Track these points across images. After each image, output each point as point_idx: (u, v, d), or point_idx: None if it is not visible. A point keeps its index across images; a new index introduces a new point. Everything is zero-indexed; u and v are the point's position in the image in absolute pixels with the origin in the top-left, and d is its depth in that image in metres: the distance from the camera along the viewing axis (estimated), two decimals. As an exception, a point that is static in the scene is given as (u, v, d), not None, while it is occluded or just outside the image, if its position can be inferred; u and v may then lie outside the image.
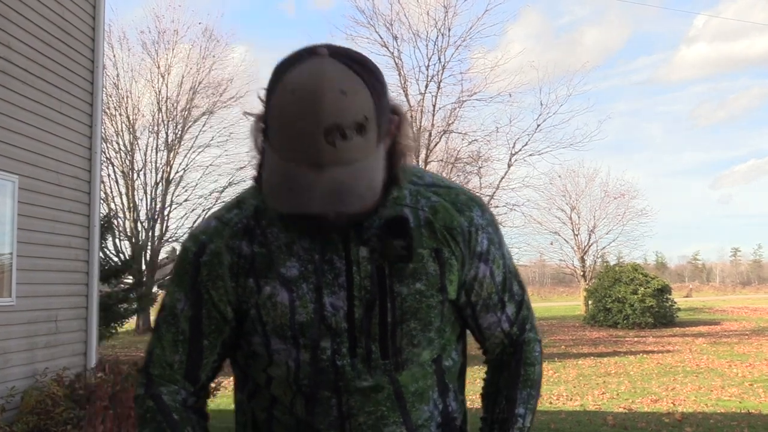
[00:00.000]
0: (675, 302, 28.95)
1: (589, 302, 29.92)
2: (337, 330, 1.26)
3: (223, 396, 9.45)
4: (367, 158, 1.14)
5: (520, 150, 23.08)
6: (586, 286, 33.15)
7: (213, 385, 7.47)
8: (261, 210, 1.32)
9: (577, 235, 38.13)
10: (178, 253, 1.37)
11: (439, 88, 22.45)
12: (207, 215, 1.40)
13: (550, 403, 11.27)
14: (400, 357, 1.28)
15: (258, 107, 1.24)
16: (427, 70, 22.41)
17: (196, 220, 28.04)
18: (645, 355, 17.79)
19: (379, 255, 1.27)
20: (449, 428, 1.39)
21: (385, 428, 1.29)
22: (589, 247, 38.16)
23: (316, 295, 1.26)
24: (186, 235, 1.42)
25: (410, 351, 1.29)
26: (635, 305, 26.87)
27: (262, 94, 1.20)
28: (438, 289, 1.30)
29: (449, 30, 22.21)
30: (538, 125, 23.01)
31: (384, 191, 1.23)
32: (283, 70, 1.15)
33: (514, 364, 1.42)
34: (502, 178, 23.48)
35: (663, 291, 27.78)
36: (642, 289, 27.05)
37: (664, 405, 10.91)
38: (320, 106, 1.09)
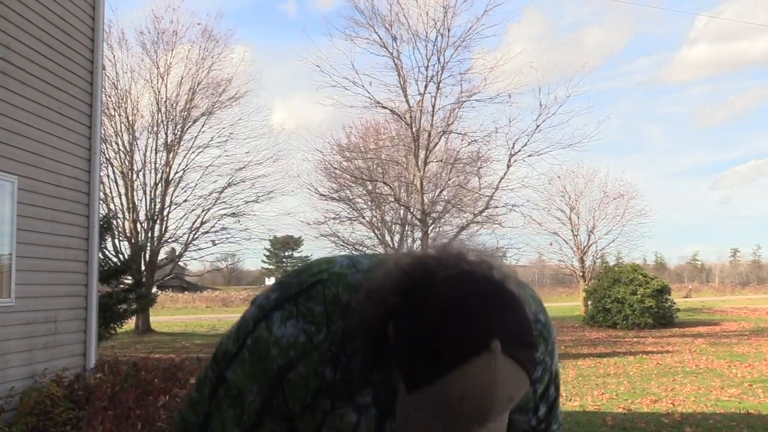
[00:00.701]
0: (674, 303, 28.95)
1: (589, 303, 29.93)
2: None
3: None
4: (506, 422, 1.15)
5: (519, 150, 23.07)
6: (586, 287, 33.15)
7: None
8: (348, 337, 1.27)
9: (576, 236, 38.15)
10: (255, 342, 1.31)
11: (438, 88, 22.46)
12: (288, 301, 1.31)
13: (550, 403, 11.27)
14: None
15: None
16: (427, 70, 22.42)
17: (195, 221, 28.06)
18: (644, 356, 17.80)
19: None
20: None
21: None
22: (589, 247, 38.17)
23: (378, 421, 1.29)
24: (263, 323, 1.31)
25: None
26: (634, 306, 26.87)
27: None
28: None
29: (449, 30, 22.22)
30: (538, 126, 23.00)
31: None
32: (452, 359, 1.06)
33: None
34: (502, 178, 23.49)
35: (662, 291, 27.79)
36: (641, 289, 27.06)
37: (663, 405, 10.92)
38: (486, 416, 1.07)
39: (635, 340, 23.14)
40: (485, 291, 1.12)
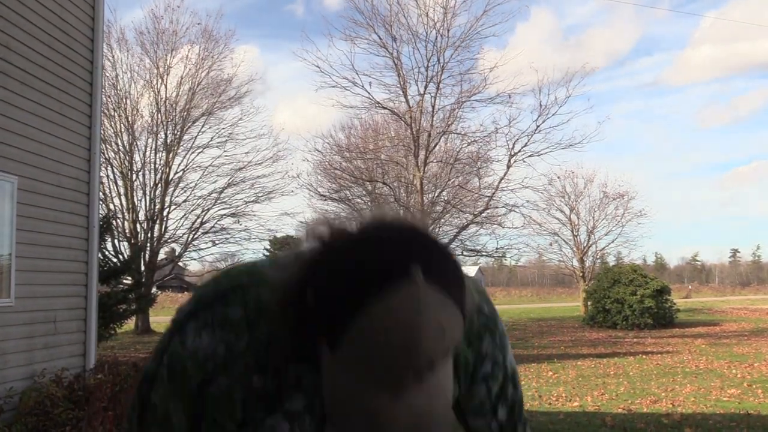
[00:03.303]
0: (674, 303, 28.98)
1: (589, 303, 29.94)
2: None
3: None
4: (449, 381, 1.05)
5: (519, 151, 23.06)
6: (586, 287, 33.17)
7: None
8: (275, 340, 1.18)
9: (576, 236, 38.20)
10: (170, 359, 1.23)
11: (438, 88, 22.46)
12: (201, 308, 1.23)
13: (549, 404, 11.27)
14: None
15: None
16: (427, 71, 22.42)
17: (195, 221, 28.08)
18: (644, 356, 17.80)
19: None
20: None
21: None
22: (588, 247, 38.22)
23: (317, 428, 1.22)
24: (176, 337, 1.23)
25: None
26: (634, 306, 26.89)
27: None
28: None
29: (448, 31, 22.22)
30: (538, 126, 23.00)
31: None
32: (369, 291, 0.97)
33: None
34: (501, 179, 23.48)
35: (662, 292, 27.82)
36: (641, 290, 27.08)
37: (663, 406, 10.92)
38: (417, 350, 0.96)
39: (635, 340, 23.15)
40: (404, 228, 1.05)
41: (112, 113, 26.30)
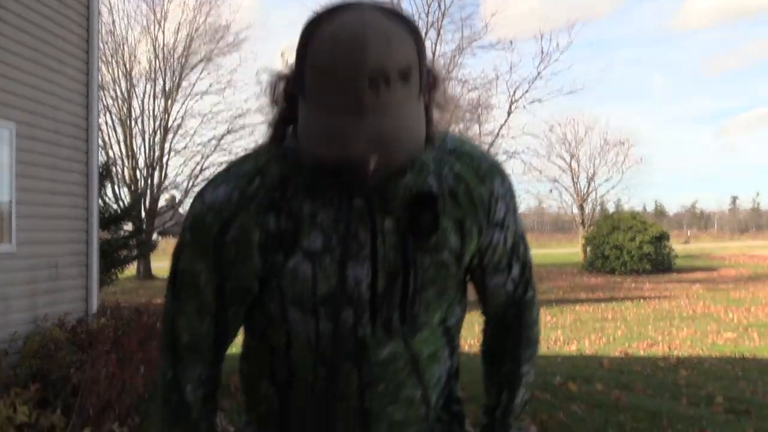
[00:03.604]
0: (673, 249, 29.11)
1: (588, 249, 30.08)
2: (359, 301, 1.26)
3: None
4: (409, 107, 1.12)
5: (520, 98, 22.97)
6: (585, 233, 33.28)
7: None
8: (286, 180, 1.26)
9: (576, 183, 38.18)
10: (192, 218, 1.29)
11: (439, 35, 22.24)
12: (219, 175, 1.32)
13: (548, 347, 11.42)
14: (416, 321, 1.31)
15: (273, 66, 1.24)
16: (427, 16, 22.18)
17: (194, 168, 28.05)
18: (642, 301, 17.95)
19: (403, 226, 1.26)
20: (454, 375, 1.46)
21: (402, 393, 1.32)
22: (588, 194, 38.24)
23: (339, 267, 1.25)
24: (197, 199, 1.29)
25: (425, 317, 1.32)
26: (633, 252, 27.02)
27: (287, 52, 1.22)
28: (457, 258, 1.32)
29: (449, -26, 21.88)
30: (539, 73, 22.86)
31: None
32: (319, 21, 1.13)
33: (517, 326, 1.49)
34: (502, 125, 23.43)
35: (661, 238, 27.93)
36: (640, 236, 27.18)
37: (659, 349, 11.07)
38: (365, 51, 1.06)
39: (633, 285, 23.32)
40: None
41: (110, 59, 26.05)
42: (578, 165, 38.15)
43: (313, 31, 1.12)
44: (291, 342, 1.30)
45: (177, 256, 1.33)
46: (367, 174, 1.14)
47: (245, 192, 1.26)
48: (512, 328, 1.49)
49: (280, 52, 1.22)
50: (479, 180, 1.33)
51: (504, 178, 1.38)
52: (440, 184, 1.30)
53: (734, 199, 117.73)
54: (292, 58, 1.20)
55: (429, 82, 1.21)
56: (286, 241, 1.25)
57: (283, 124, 1.24)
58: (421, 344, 1.33)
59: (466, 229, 1.31)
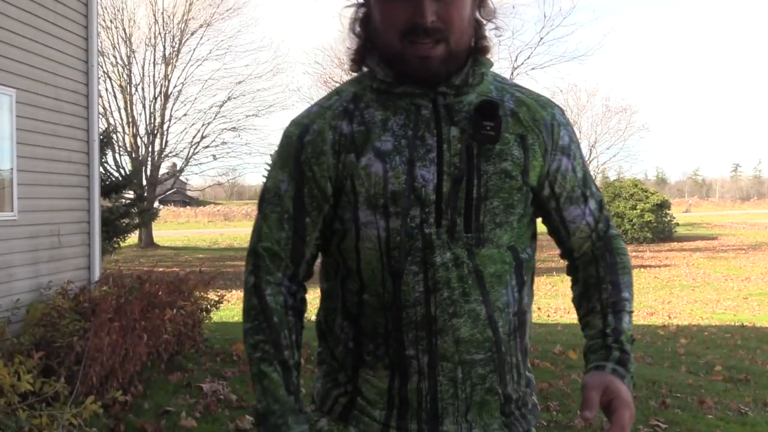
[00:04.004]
0: (674, 217, 29.12)
1: (589, 217, 30.08)
2: (426, 201, 1.34)
3: (225, 309, 9.59)
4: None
5: (522, 64, 22.80)
6: (586, 202, 33.25)
7: (216, 298, 7.59)
8: (359, 95, 1.41)
9: (578, 151, 38.08)
10: (280, 140, 1.45)
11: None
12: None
13: (548, 315, 11.47)
14: (482, 233, 1.36)
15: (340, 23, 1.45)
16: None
17: (195, 135, 27.97)
18: (642, 270, 17.99)
19: (468, 135, 1.36)
20: (523, 317, 1.44)
21: (467, 305, 1.35)
22: (590, 162, 38.15)
23: (408, 167, 1.34)
24: (287, 124, 1.46)
25: (492, 230, 1.37)
26: (634, 220, 27.03)
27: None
28: (522, 171, 1.38)
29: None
30: (541, 38, 22.71)
31: (473, 61, 1.39)
32: None
33: (609, 255, 1.50)
34: (504, 92, 23.27)
35: (662, 206, 27.92)
36: (641, 204, 27.17)
37: (659, 318, 11.11)
38: None
39: (634, 254, 23.35)
40: None
41: (109, 25, 25.85)
42: (580, 132, 38.04)
43: None
44: (360, 252, 1.38)
45: (267, 176, 1.47)
46: (432, 57, 1.32)
47: (323, 104, 1.43)
48: (605, 257, 1.49)
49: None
50: (540, 106, 1.43)
51: (563, 112, 1.47)
52: (502, 104, 1.40)
53: (736, 166, 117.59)
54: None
55: None
56: (359, 142, 1.37)
57: (362, 48, 1.42)
58: (486, 259, 1.36)
59: (528, 143, 1.39)
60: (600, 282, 1.48)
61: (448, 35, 1.32)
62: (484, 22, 1.42)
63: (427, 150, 1.35)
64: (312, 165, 1.38)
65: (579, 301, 1.52)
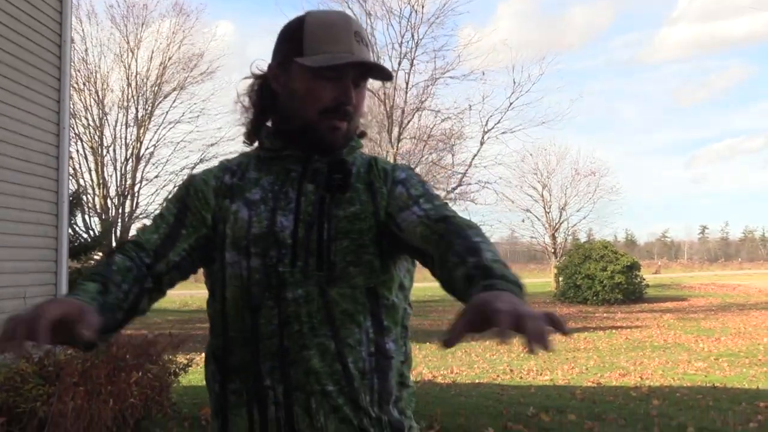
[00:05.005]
0: (644, 279, 29.34)
1: (560, 279, 30.23)
2: (283, 243, 1.50)
3: (194, 372, 9.42)
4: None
5: (492, 128, 23.17)
6: (557, 263, 33.46)
7: (185, 361, 7.46)
8: (243, 163, 1.65)
9: (548, 213, 38.45)
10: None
11: (412, 65, 22.47)
12: None
13: (521, 377, 11.41)
14: (333, 272, 1.48)
15: (239, 85, 1.67)
16: (401, 47, 22.40)
17: (167, 197, 27.84)
18: (614, 331, 18.04)
19: (322, 188, 1.54)
20: (384, 360, 1.49)
21: (315, 338, 1.46)
22: (560, 224, 38.52)
23: (270, 215, 1.53)
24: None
25: (343, 269, 1.48)
26: (605, 282, 27.19)
27: (255, 63, 1.65)
28: (371, 213, 1.51)
29: (423, 7, 22.15)
30: (511, 103, 23.14)
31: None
32: (300, 21, 1.58)
33: (454, 228, 1.38)
34: (475, 155, 23.60)
35: (632, 268, 28.15)
36: (611, 265, 27.38)
37: (631, 379, 11.10)
38: (350, 20, 1.55)
39: (605, 315, 23.44)
40: None
41: (82, 87, 25.93)
42: (550, 195, 38.49)
43: (300, 26, 1.56)
44: (226, 290, 1.53)
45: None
46: (341, 129, 1.55)
47: (211, 168, 1.66)
48: (450, 231, 1.37)
49: (250, 63, 1.67)
50: (389, 166, 1.61)
51: (411, 169, 1.64)
52: (357, 163, 1.61)
53: (704, 228, 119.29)
54: (263, 64, 1.64)
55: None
56: (235, 192, 1.58)
57: (256, 119, 1.64)
58: (338, 297, 1.48)
59: (375, 187, 1.55)
60: (459, 254, 1.31)
61: (353, 116, 1.55)
62: (368, 112, 1.73)
63: (288, 202, 1.54)
64: (196, 199, 1.58)
65: (443, 279, 1.36)
